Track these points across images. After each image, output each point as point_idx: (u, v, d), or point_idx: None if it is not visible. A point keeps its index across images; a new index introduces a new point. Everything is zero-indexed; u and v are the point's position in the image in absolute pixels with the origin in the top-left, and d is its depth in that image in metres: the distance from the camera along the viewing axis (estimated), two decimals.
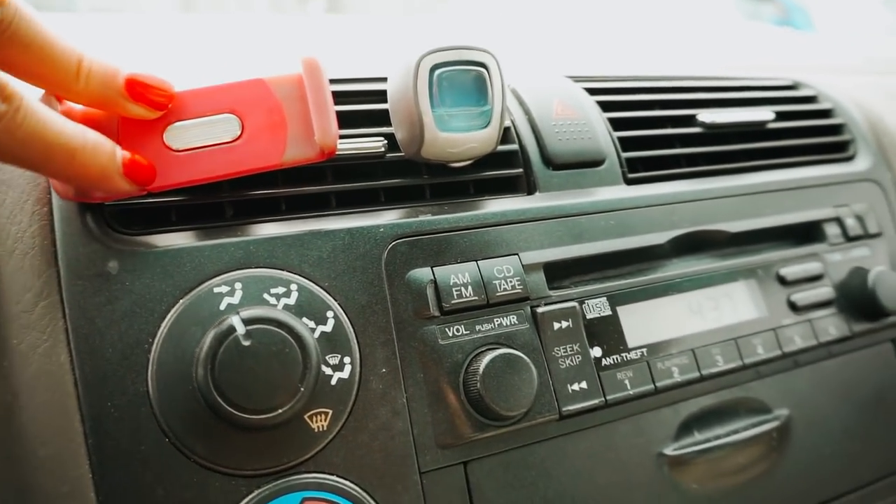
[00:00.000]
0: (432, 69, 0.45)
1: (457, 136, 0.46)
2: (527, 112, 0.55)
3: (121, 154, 0.38)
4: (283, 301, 0.42)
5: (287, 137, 0.42)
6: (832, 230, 0.61)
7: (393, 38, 0.92)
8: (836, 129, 0.70)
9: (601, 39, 1.10)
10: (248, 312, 0.39)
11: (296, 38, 0.93)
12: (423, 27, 1.11)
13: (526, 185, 0.52)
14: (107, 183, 0.38)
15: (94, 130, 0.37)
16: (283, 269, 0.43)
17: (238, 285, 0.41)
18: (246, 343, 0.38)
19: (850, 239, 0.62)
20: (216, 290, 0.41)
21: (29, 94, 0.34)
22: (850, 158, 0.68)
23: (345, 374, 0.42)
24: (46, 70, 0.35)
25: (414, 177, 0.50)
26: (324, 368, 0.41)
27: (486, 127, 0.47)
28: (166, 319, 0.40)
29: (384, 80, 0.48)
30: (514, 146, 0.53)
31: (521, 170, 0.52)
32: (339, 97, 0.50)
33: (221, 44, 0.85)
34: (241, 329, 0.38)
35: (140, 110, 0.40)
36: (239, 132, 0.42)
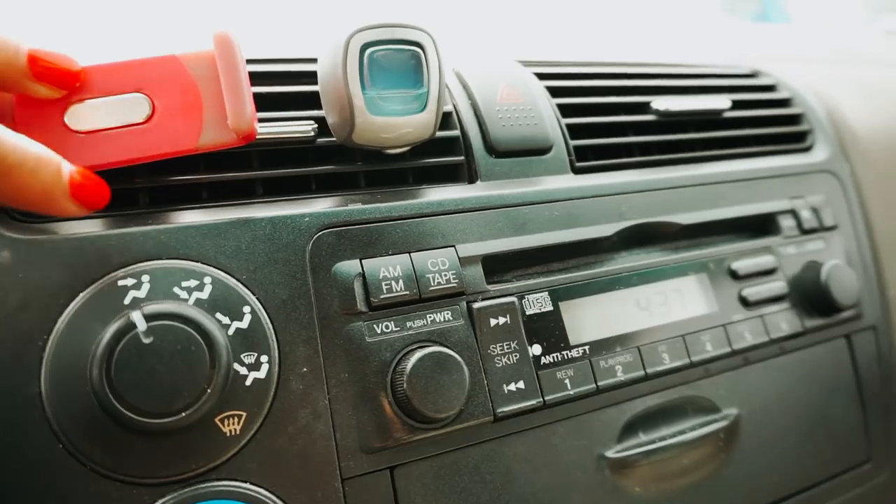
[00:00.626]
0: (363, 48, 0.42)
1: (390, 121, 0.43)
2: (470, 96, 0.52)
3: (68, 171, 0.34)
4: (196, 295, 0.39)
5: (203, 120, 0.39)
6: (787, 223, 0.60)
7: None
8: (795, 119, 0.68)
9: (565, 26, 1.08)
10: (151, 307, 0.36)
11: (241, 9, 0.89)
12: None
13: (467, 173, 0.50)
14: (49, 205, 0.34)
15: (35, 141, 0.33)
16: (196, 261, 0.40)
17: (145, 278, 0.38)
18: (146, 340, 0.35)
19: (804, 232, 0.60)
20: (121, 282, 0.38)
21: None
22: (807, 149, 0.66)
23: (261, 373, 0.39)
24: None
25: (347, 163, 0.47)
26: (238, 368, 0.38)
27: (422, 111, 0.44)
28: (64, 314, 0.37)
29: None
30: (456, 132, 0.50)
31: (462, 157, 0.50)
32: (268, 78, 0.48)
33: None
34: (141, 325, 0.35)
35: (43, 90, 0.36)
36: (149, 113, 0.39)
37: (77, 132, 0.38)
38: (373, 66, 0.43)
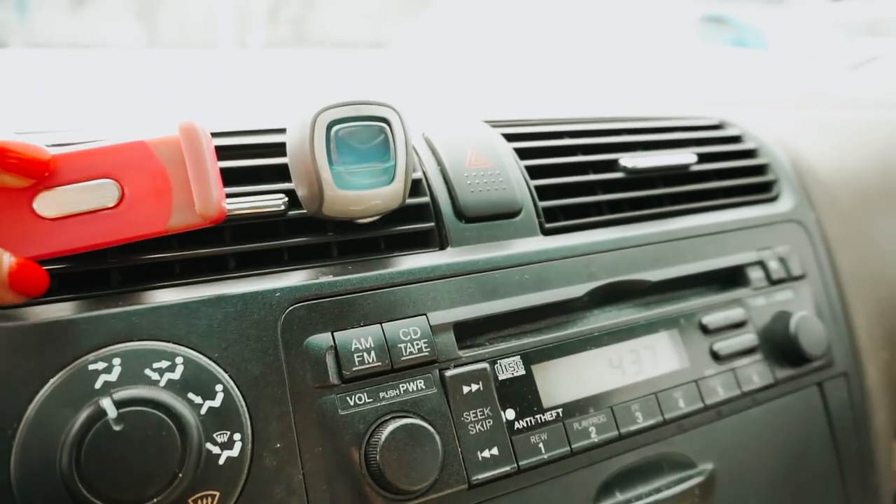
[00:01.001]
0: (329, 125, 0.43)
1: (359, 194, 0.44)
2: (439, 162, 0.53)
3: (8, 262, 0.35)
4: (167, 376, 0.39)
5: (172, 203, 0.40)
6: (755, 274, 0.61)
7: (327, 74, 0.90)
8: (760, 170, 0.70)
9: (540, 65, 1.10)
10: (121, 393, 0.37)
11: (232, 75, 0.91)
12: (356, 63, 1.10)
13: (438, 239, 0.51)
14: None
15: None
16: (168, 341, 0.40)
17: (116, 361, 0.39)
18: (117, 427, 0.36)
19: (773, 282, 0.61)
20: (91, 367, 0.38)
21: None
22: (773, 199, 0.68)
23: (234, 451, 0.39)
24: None
25: (318, 234, 0.48)
26: (210, 447, 0.39)
27: (390, 183, 0.45)
28: (34, 401, 0.37)
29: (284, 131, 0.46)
30: (426, 199, 0.51)
31: (432, 223, 0.51)
32: (237, 151, 0.49)
33: (174, 81, 0.83)
34: (111, 412, 0.36)
35: (11, 179, 0.37)
36: (118, 197, 0.39)
37: (46, 219, 0.38)
38: (340, 143, 0.44)
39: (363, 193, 0.45)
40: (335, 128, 0.43)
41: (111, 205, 0.39)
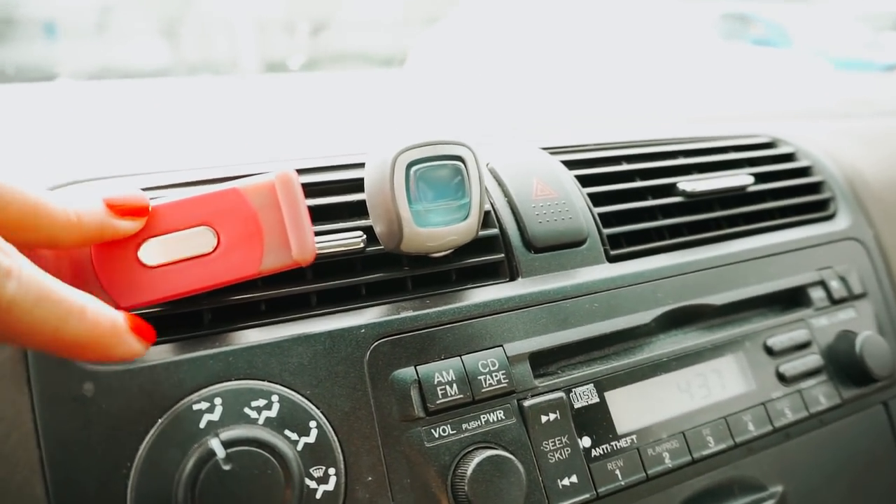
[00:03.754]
0: (409, 166, 0.45)
1: (436, 231, 0.46)
2: (506, 194, 0.55)
3: (122, 314, 0.36)
4: (265, 414, 0.41)
5: (264, 246, 0.42)
6: (817, 294, 0.61)
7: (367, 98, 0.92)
8: (816, 188, 0.70)
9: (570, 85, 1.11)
10: (227, 434, 0.39)
11: (276, 100, 0.93)
12: (390, 85, 1.12)
13: (508, 270, 0.52)
14: (115, 343, 0.34)
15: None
16: (263, 380, 0.42)
17: (218, 400, 0.40)
18: (226, 467, 0.37)
19: (835, 302, 0.62)
20: (195, 406, 0.40)
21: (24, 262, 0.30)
22: (830, 217, 0.68)
23: (330, 486, 0.41)
24: (44, 231, 0.34)
25: (395, 269, 0.49)
26: (308, 482, 0.40)
27: (465, 219, 0.47)
28: (145, 441, 0.39)
29: (360, 165, 0.48)
30: (495, 230, 0.52)
31: (502, 255, 0.52)
32: (314, 189, 0.50)
33: (205, 109, 0.85)
34: (220, 453, 0.38)
35: (128, 224, 0.39)
36: (215, 244, 0.41)
37: (150, 266, 0.40)
38: (418, 182, 0.45)
39: (440, 230, 0.46)
40: (414, 167, 0.45)
41: (209, 251, 0.41)
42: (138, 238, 0.40)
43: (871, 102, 1.08)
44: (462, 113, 0.87)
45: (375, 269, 0.49)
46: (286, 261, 0.42)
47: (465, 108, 0.92)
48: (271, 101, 0.93)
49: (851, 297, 0.62)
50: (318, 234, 0.48)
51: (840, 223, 0.67)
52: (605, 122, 0.85)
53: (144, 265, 0.40)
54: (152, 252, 0.41)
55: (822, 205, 0.69)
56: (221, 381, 0.41)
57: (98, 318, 0.33)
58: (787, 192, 0.68)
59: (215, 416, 0.40)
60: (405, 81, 1.32)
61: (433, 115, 0.87)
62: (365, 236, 0.48)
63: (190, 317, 0.45)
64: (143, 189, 0.47)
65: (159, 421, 0.39)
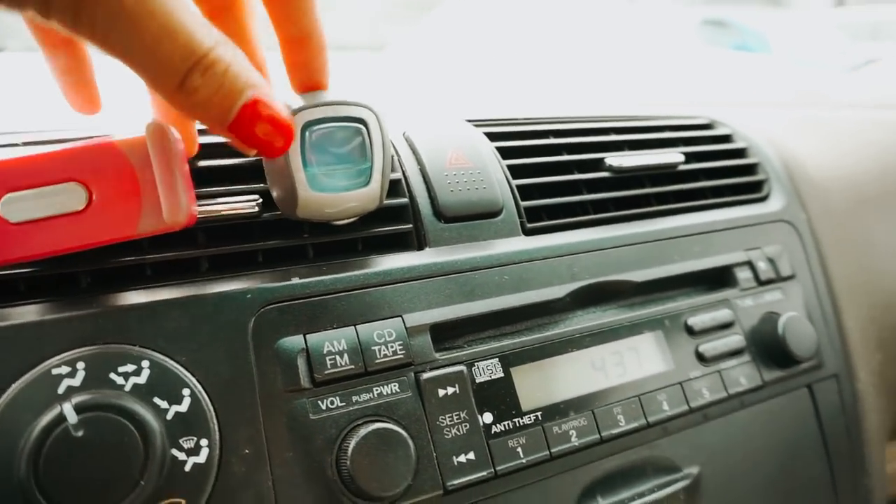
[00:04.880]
0: (305, 126, 0.42)
1: (334, 196, 0.44)
2: (419, 162, 0.52)
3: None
4: (133, 380, 0.38)
5: (141, 206, 0.39)
6: (743, 274, 0.60)
7: None
8: (750, 169, 0.69)
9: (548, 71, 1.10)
10: (81, 398, 0.36)
11: None
12: (350, 65, 1.09)
13: (416, 240, 0.50)
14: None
15: None
16: (134, 344, 0.39)
17: (80, 365, 0.38)
18: (77, 434, 0.35)
19: (761, 283, 0.60)
20: (55, 371, 0.37)
21: None
22: (763, 199, 0.67)
23: (201, 458, 0.39)
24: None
25: (294, 236, 0.47)
26: (176, 453, 0.38)
27: (367, 185, 0.44)
28: None
29: None
30: (404, 200, 0.50)
31: (410, 225, 0.50)
32: (211, 150, 0.48)
33: None
34: (72, 418, 0.35)
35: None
36: (86, 202, 0.38)
37: (11, 223, 0.37)
38: (315, 144, 0.43)
39: (338, 196, 0.44)
40: (311, 128, 0.43)
41: (78, 209, 0.38)
42: None
43: (824, 96, 1.08)
44: (421, 94, 0.85)
45: (274, 235, 0.47)
46: (162, 224, 0.40)
47: (426, 89, 0.90)
48: None
49: (779, 279, 0.61)
50: (212, 196, 0.45)
51: (773, 205, 0.66)
52: (553, 102, 0.83)
53: (7, 221, 0.37)
54: (15, 208, 0.38)
55: (756, 186, 0.68)
56: (87, 345, 0.38)
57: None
58: (720, 172, 0.66)
59: (76, 382, 0.37)
60: (378, 66, 1.29)
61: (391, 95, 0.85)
62: (261, 200, 0.46)
63: (66, 279, 0.42)
64: (17, 144, 0.44)
65: (14, 385, 0.37)
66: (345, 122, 0.44)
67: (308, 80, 0.42)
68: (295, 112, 0.42)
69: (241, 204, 0.45)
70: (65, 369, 0.37)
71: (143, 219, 0.39)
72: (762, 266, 0.61)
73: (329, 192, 0.43)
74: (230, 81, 0.32)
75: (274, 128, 0.34)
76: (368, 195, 0.45)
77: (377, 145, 0.44)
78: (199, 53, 0.31)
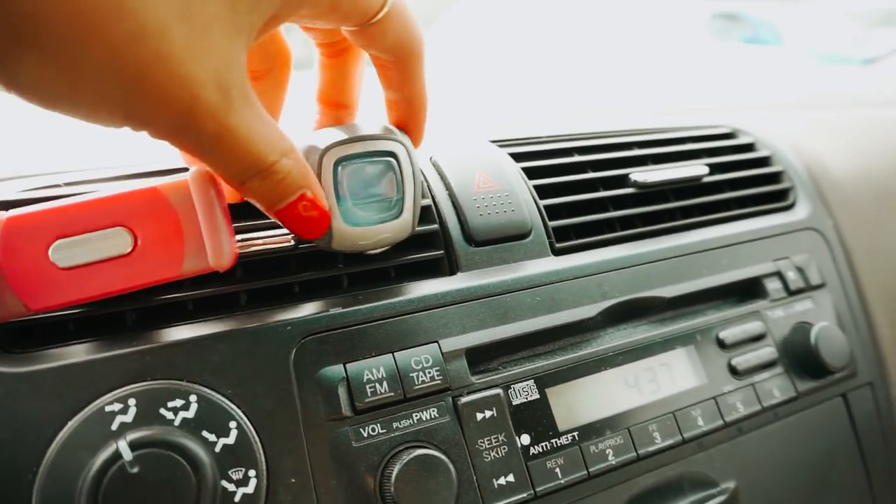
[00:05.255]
0: (337, 162, 0.43)
1: (368, 229, 0.44)
2: (448, 187, 0.53)
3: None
4: (182, 415, 0.40)
5: (185, 248, 0.40)
6: (773, 285, 0.60)
7: None
8: (775, 178, 0.69)
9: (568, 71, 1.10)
10: (135, 435, 0.37)
11: None
12: None
13: (447, 265, 0.51)
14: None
15: None
16: (181, 379, 0.41)
17: (132, 401, 0.39)
18: (133, 470, 0.36)
19: (791, 293, 0.60)
20: (108, 408, 0.39)
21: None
22: (789, 207, 0.67)
23: (249, 488, 0.40)
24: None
25: (329, 267, 0.48)
26: (226, 485, 0.39)
27: (399, 216, 0.45)
28: (53, 445, 0.37)
29: None
30: (435, 226, 0.51)
31: (441, 251, 0.51)
32: None
33: None
34: (127, 455, 0.36)
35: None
36: (131, 246, 0.40)
37: (61, 268, 0.39)
38: (347, 179, 0.44)
39: (372, 228, 0.44)
40: (342, 165, 0.43)
41: (125, 252, 0.40)
42: (48, 237, 0.39)
43: (843, 94, 1.07)
44: (440, 110, 0.86)
45: (309, 266, 0.48)
46: (205, 265, 0.41)
47: (445, 104, 0.91)
48: None
49: (809, 288, 0.61)
50: (249, 230, 0.47)
51: (799, 213, 0.66)
52: (573, 116, 0.83)
53: (57, 267, 0.39)
54: (64, 254, 0.39)
55: (781, 195, 0.68)
56: (137, 382, 0.40)
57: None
58: (745, 182, 0.66)
59: (128, 418, 0.39)
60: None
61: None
62: None
63: (113, 318, 0.43)
64: (59, 185, 0.46)
65: (69, 423, 0.38)
66: (375, 158, 0.44)
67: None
68: (327, 149, 0.43)
69: (277, 238, 0.46)
70: (117, 406, 0.39)
71: (186, 260, 0.40)
72: (791, 276, 0.61)
73: (363, 225, 0.44)
74: (284, 187, 0.37)
75: (317, 213, 0.39)
76: (401, 226, 0.45)
77: (408, 177, 0.45)
78: (262, 167, 0.35)
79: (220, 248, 0.39)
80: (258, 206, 0.38)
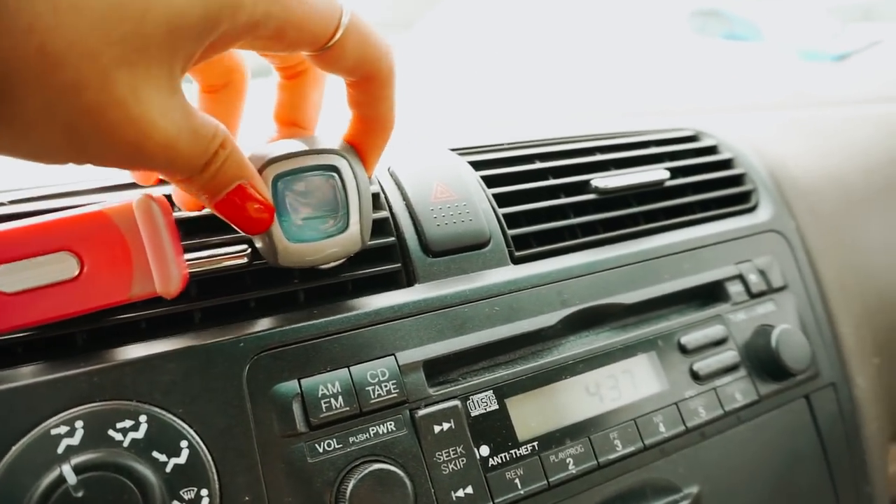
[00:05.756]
0: (276, 178, 0.43)
1: (313, 245, 0.43)
2: (405, 197, 0.53)
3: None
4: (131, 436, 0.39)
5: (133, 272, 0.40)
6: (735, 288, 0.60)
7: None
8: (737, 180, 0.69)
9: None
10: (80, 458, 0.36)
11: None
12: None
13: (405, 277, 0.50)
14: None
15: None
16: (130, 400, 0.40)
17: (79, 423, 0.38)
18: (77, 494, 0.35)
19: (753, 296, 0.60)
20: (53, 431, 0.38)
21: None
22: (751, 209, 0.67)
23: None
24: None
25: (284, 283, 0.47)
26: None
27: (346, 230, 0.45)
28: None
29: None
30: (391, 239, 0.51)
31: (398, 264, 0.50)
32: None
33: None
34: (71, 479, 0.36)
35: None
36: (77, 270, 0.39)
37: (5, 293, 0.38)
38: (288, 195, 0.43)
39: (317, 244, 0.44)
40: (281, 181, 0.43)
41: (71, 277, 0.39)
42: None
43: (809, 95, 1.08)
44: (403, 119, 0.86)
45: (265, 283, 0.47)
46: (152, 288, 0.40)
47: (407, 113, 0.91)
48: None
49: (771, 291, 0.61)
50: (202, 248, 0.46)
51: (761, 215, 0.67)
52: (539, 120, 0.84)
53: (1, 292, 0.38)
54: (9, 279, 0.38)
55: (744, 197, 0.68)
56: (84, 403, 0.39)
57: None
58: (708, 185, 0.67)
59: (75, 441, 0.38)
60: None
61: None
62: (250, 249, 0.46)
63: (62, 340, 0.42)
64: (3, 203, 0.45)
65: (13, 448, 0.37)
66: (315, 172, 0.44)
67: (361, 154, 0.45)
68: (266, 164, 0.42)
69: (232, 254, 0.46)
70: (63, 429, 0.38)
71: (135, 284, 0.40)
72: (753, 278, 0.61)
73: (308, 241, 0.43)
74: (221, 176, 0.36)
75: (258, 206, 0.39)
76: (349, 239, 0.45)
77: (352, 190, 0.44)
78: (202, 162, 0.35)
79: (167, 275, 0.39)
80: (202, 199, 0.37)
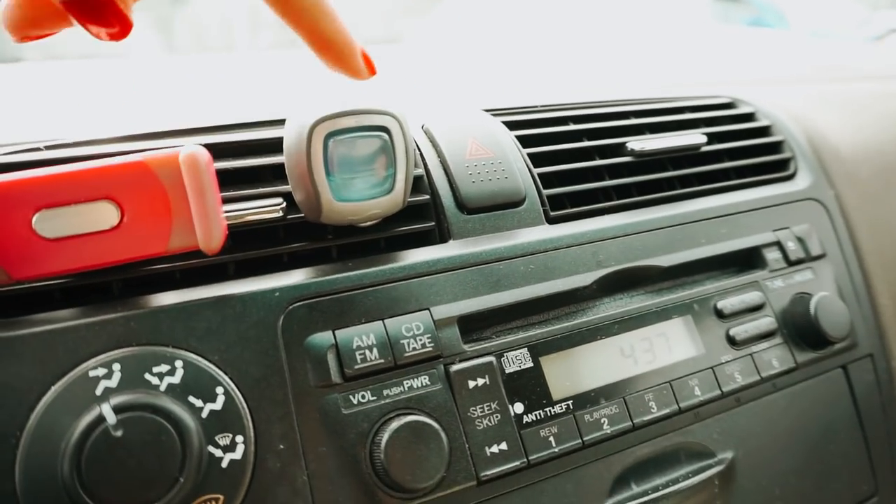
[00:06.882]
0: (327, 136, 0.42)
1: (357, 205, 0.43)
2: (440, 154, 0.52)
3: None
4: (167, 380, 0.39)
5: (172, 225, 0.39)
6: (772, 255, 0.59)
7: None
8: (775, 147, 0.67)
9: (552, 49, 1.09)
10: (119, 399, 0.36)
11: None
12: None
13: (438, 234, 0.50)
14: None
15: None
16: (167, 345, 0.40)
17: (116, 366, 0.38)
18: (117, 434, 0.35)
19: (791, 263, 0.59)
20: (91, 373, 0.38)
21: None
22: (789, 177, 0.66)
23: (237, 454, 0.39)
24: None
25: (318, 238, 0.47)
26: (212, 451, 0.38)
27: (390, 192, 0.44)
28: (36, 410, 0.37)
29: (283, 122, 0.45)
30: (426, 197, 0.50)
31: (433, 222, 0.50)
32: (233, 151, 0.48)
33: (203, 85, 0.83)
34: (111, 418, 0.36)
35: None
36: (117, 220, 0.39)
37: (45, 238, 0.38)
38: (338, 153, 0.43)
39: (362, 204, 0.43)
40: (332, 139, 0.42)
41: (110, 226, 0.39)
42: (33, 206, 0.38)
43: (847, 68, 1.05)
44: (437, 84, 0.85)
45: (298, 237, 0.47)
46: (193, 243, 0.40)
47: (443, 80, 0.90)
48: (240, 80, 0.90)
49: (809, 259, 0.60)
50: (236, 200, 0.46)
51: (799, 183, 0.65)
52: (570, 87, 0.82)
53: (41, 237, 0.38)
54: (49, 224, 0.38)
55: (781, 165, 0.67)
56: (122, 347, 0.39)
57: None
58: (745, 152, 0.65)
59: (112, 383, 0.38)
60: (394, 59, 1.29)
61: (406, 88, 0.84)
62: (285, 204, 0.46)
63: (98, 287, 0.42)
64: (39, 148, 0.45)
65: (53, 388, 0.37)
66: (367, 132, 0.43)
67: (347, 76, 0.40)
68: (317, 123, 0.42)
69: (267, 208, 0.45)
70: (101, 371, 0.38)
71: (173, 237, 0.40)
72: (791, 246, 0.60)
73: (353, 200, 0.43)
74: None
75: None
76: (392, 200, 0.44)
77: (400, 152, 0.44)
78: None
79: (210, 231, 0.38)
80: None
